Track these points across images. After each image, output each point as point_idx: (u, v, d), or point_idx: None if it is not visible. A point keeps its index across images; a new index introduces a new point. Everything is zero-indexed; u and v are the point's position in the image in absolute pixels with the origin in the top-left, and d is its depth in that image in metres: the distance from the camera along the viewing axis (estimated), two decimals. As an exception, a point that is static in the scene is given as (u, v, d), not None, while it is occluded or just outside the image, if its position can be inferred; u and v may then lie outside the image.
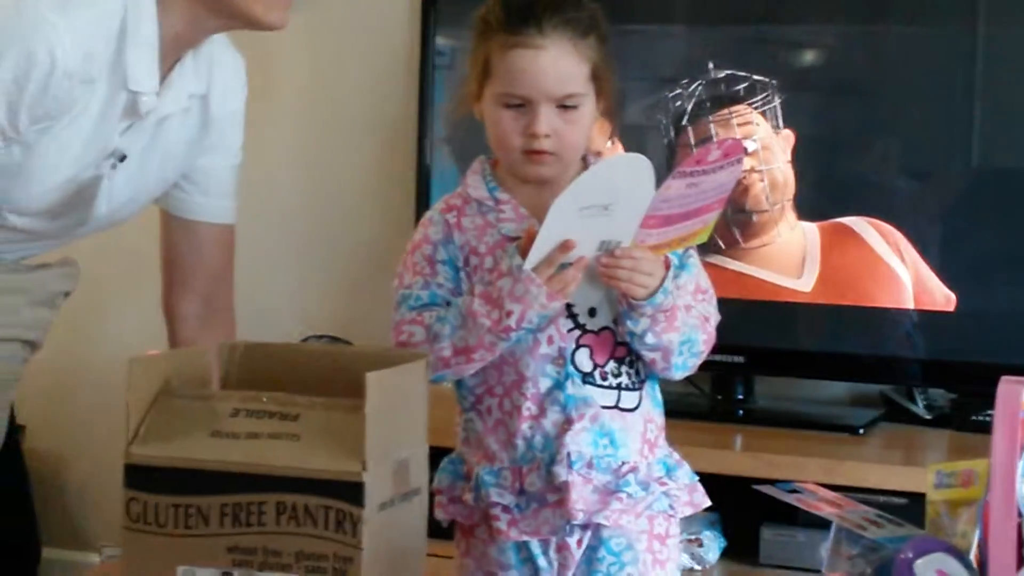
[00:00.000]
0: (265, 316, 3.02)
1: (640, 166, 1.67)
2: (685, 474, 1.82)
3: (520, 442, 1.76)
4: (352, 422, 1.34)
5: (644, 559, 1.78)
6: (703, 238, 1.76)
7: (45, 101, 1.88)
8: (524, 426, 1.75)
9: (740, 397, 2.79)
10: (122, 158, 2.00)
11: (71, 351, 3.20)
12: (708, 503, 1.83)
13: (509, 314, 1.69)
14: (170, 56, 1.98)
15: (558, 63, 1.72)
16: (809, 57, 2.77)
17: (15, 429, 2.40)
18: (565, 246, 1.66)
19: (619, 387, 1.77)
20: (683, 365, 1.78)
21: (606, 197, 1.65)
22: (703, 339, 1.78)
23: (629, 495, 1.75)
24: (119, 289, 3.19)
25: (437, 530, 1.61)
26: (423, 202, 2.86)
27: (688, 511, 1.82)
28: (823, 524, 1.50)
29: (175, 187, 2.16)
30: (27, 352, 2.18)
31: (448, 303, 1.76)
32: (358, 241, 3.10)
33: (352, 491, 1.33)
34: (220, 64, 2.08)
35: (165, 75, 2.00)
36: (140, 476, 1.38)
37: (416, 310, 1.77)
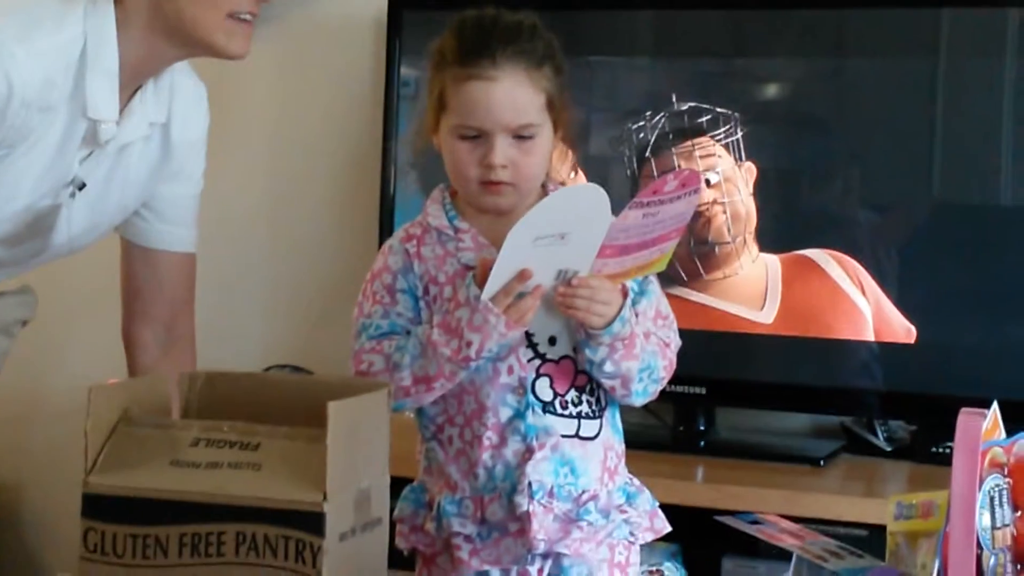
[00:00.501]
0: (227, 345, 3.01)
1: (595, 196, 1.67)
2: (646, 500, 1.82)
3: (481, 471, 1.76)
4: (313, 452, 1.33)
5: None
6: (660, 267, 1.77)
7: (2, 129, 1.87)
8: (485, 456, 1.75)
9: (702, 428, 2.80)
10: (81, 186, 1.99)
11: (29, 380, 3.18)
12: (668, 528, 1.83)
13: (469, 344, 1.69)
14: (130, 84, 1.98)
15: (512, 94, 1.73)
16: (771, 90, 2.79)
17: None
18: (522, 276, 1.67)
19: (579, 415, 1.78)
20: (643, 392, 1.78)
21: (562, 226, 1.65)
22: (663, 365, 1.79)
23: (590, 523, 1.75)
24: (78, 317, 3.18)
25: (398, 559, 1.60)
26: (387, 231, 2.85)
27: (649, 537, 1.82)
28: (784, 555, 1.51)
29: (135, 215, 2.15)
30: None
31: (408, 332, 1.76)
32: (321, 270, 3.10)
33: (313, 521, 1.32)
34: (181, 92, 2.08)
35: (125, 103, 1.99)
36: (98, 505, 1.37)
37: (376, 339, 1.77)
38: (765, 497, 2.43)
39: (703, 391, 2.70)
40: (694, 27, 2.81)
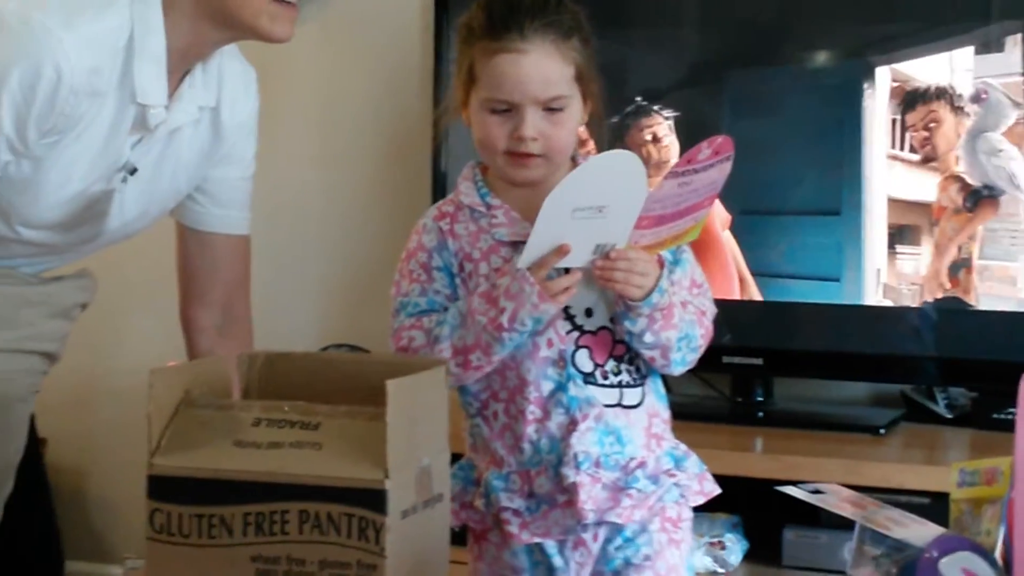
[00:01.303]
0: (284, 326, 3.02)
1: (630, 163, 1.67)
2: (694, 464, 1.83)
3: (527, 446, 1.77)
4: (373, 430, 1.34)
5: (659, 539, 1.79)
6: (694, 235, 1.77)
7: (52, 116, 1.89)
8: (529, 430, 1.76)
9: (760, 399, 2.79)
10: (133, 171, 2.01)
11: (91, 364, 3.21)
12: (718, 490, 1.84)
13: (502, 311, 1.70)
14: (179, 69, 1.99)
15: (541, 66, 1.73)
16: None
17: (37, 442, 2.40)
18: (560, 250, 1.67)
19: (620, 385, 1.78)
20: (682, 361, 1.78)
21: (600, 198, 1.65)
22: (701, 334, 1.79)
23: (639, 490, 1.76)
24: (137, 301, 3.20)
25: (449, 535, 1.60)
26: (441, 208, 2.85)
27: (700, 500, 1.83)
28: (846, 525, 1.50)
29: (189, 199, 2.17)
30: (46, 364, 2.19)
31: (446, 309, 1.77)
32: (375, 248, 3.10)
33: (375, 499, 1.33)
34: (230, 75, 2.09)
35: (175, 88, 2.00)
36: (163, 487, 1.39)
37: (415, 316, 1.79)
38: (825, 467, 2.42)
39: (760, 362, 2.69)
40: None
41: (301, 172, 3.15)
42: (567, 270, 1.72)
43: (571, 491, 1.74)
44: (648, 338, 1.74)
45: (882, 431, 2.64)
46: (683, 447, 1.84)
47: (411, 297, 1.80)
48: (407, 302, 1.80)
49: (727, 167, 1.70)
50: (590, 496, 1.74)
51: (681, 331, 1.76)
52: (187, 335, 2.27)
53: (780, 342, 2.73)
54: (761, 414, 2.76)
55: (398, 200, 3.07)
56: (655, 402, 1.82)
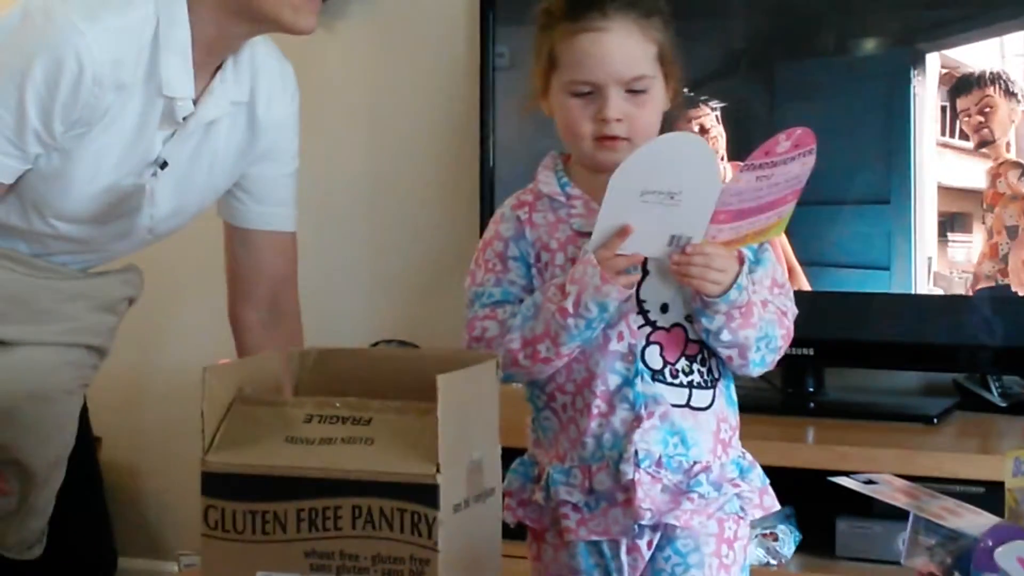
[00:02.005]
0: (334, 322, 3.04)
1: (698, 146, 1.64)
2: (757, 477, 1.79)
3: (589, 440, 1.74)
4: (425, 425, 1.34)
5: (710, 563, 1.74)
6: (777, 233, 1.73)
7: (77, 107, 1.91)
8: (593, 424, 1.74)
9: (811, 390, 2.78)
10: (163, 165, 2.02)
11: (141, 361, 3.24)
12: (778, 507, 1.80)
13: (567, 296, 1.67)
14: (207, 62, 2.01)
15: (624, 44, 1.70)
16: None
17: (91, 439, 2.43)
18: (623, 231, 1.64)
19: (690, 385, 1.75)
20: (761, 361, 1.75)
21: (669, 183, 1.62)
22: (781, 334, 1.75)
23: (701, 495, 1.73)
24: (187, 298, 3.22)
25: (505, 531, 1.60)
26: (487, 203, 2.86)
27: (758, 514, 1.79)
28: (899, 515, 1.49)
29: (231, 197, 2.18)
30: (95, 358, 2.21)
31: (521, 300, 1.75)
32: (424, 244, 3.11)
33: (427, 493, 1.34)
34: (265, 72, 2.10)
35: (207, 83, 2.02)
36: (217, 483, 1.40)
37: (489, 306, 1.76)
38: (878, 457, 2.41)
39: (811, 352, 2.68)
40: None
41: (349, 168, 3.16)
42: (645, 260, 1.69)
43: (629, 489, 1.71)
44: (725, 336, 1.70)
45: (935, 420, 2.62)
46: (749, 457, 1.80)
47: (486, 287, 1.77)
48: (482, 292, 1.77)
49: (810, 161, 1.65)
50: (648, 495, 1.71)
51: (760, 330, 1.72)
52: (235, 333, 2.29)
53: (831, 332, 2.72)
54: (812, 404, 2.75)
55: (446, 195, 3.07)
56: (725, 407, 1.78)
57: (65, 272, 2.13)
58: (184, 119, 2.01)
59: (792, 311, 1.79)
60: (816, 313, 2.67)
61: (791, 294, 1.80)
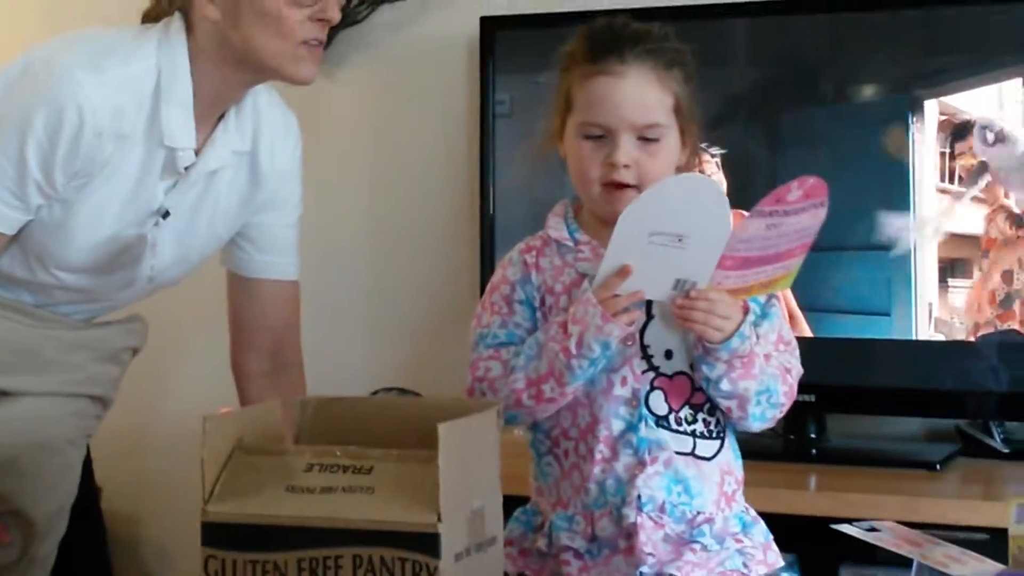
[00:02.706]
0: (334, 369, 3.03)
1: (710, 189, 1.64)
2: (760, 532, 1.78)
3: (592, 486, 1.74)
4: (426, 473, 1.34)
5: None
6: (784, 286, 1.72)
7: (78, 158, 1.92)
8: (596, 469, 1.74)
9: (813, 436, 2.77)
10: (165, 215, 2.03)
11: (142, 410, 3.23)
12: (782, 564, 1.79)
13: (569, 336, 1.67)
14: (209, 112, 2.02)
15: (639, 91, 1.71)
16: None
17: (94, 489, 2.42)
18: (623, 271, 1.64)
19: (695, 434, 1.75)
20: (761, 416, 1.74)
21: (678, 225, 1.61)
22: (783, 391, 1.74)
23: (704, 547, 1.72)
24: (188, 347, 3.22)
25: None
26: (488, 250, 2.86)
27: (762, 570, 1.77)
28: (903, 562, 1.49)
29: (234, 246, 2.18)
30: (98, 408, 2.21)
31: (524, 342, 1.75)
32: (424, 291, 3.11)
33: (428, 542, 1.33)
34: (269, 122, 2.11)
35: (209, 132, 2.03)
36: (217, 533, 1.39)
37: (494, 348, 1.77)
38: (881, 504, 2.40)
39: (812, 398, 2.68)
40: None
41: (350, 215, 3.17)
42: (650, 304, 1.69)
43: (632, 534, 1.70)
44: (725, 386, 1.70)
45: (938, 467, 2.61)
46: (752, 512, 1.79)
47: (491, 329, 1.78)
48: (486, 333, 1.78)
49: (821, 213, 1.63)
50: (650, 540, 1.70)
51: (761, 384, 1.71)
52: (238, 382, 2.28)
53: (832, 378, 2.71)
54: (815, 451, 2.74)
55: (446, 242, 3.08)
56: (731, 460, 1.78)
57: (69, 323, 2.14)
58: (186, 169, 2.02)
59: (797, 370, 1.78)
60: (817, 359, 2.66)
61: (797, 353, 1.79)
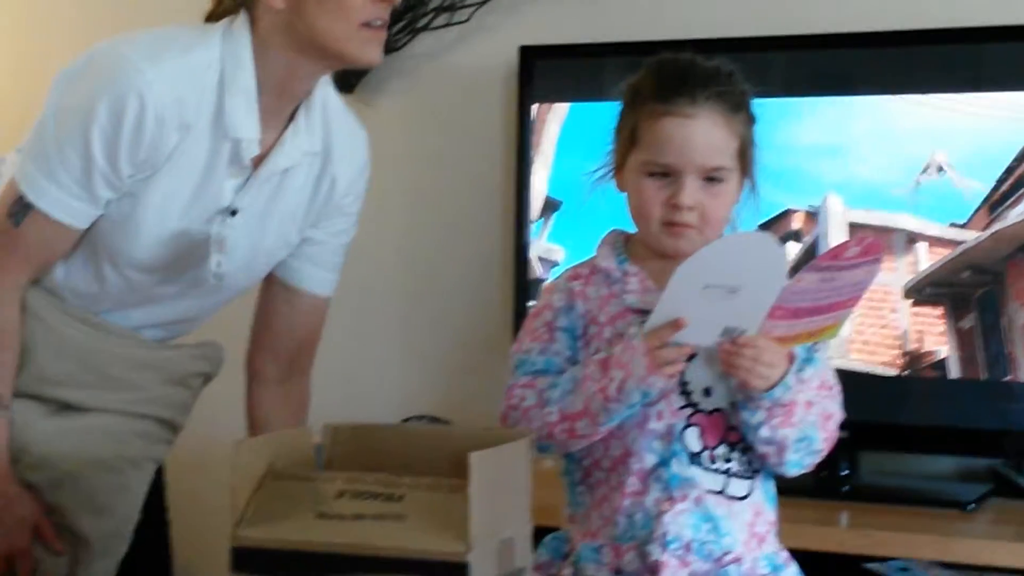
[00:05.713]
0: (366, 396, 3.04)
1: (772, 247, 1.64)
2: (792, 575, 1.77)
3: (621, 519, 1.73)
4: (456, 502, 1.34)
5: None
6: (832, 335, 1.71)
7: (142, 147, 1.94)
8: (626, 502, 1.73)
9: (845, 473, 2.75)
10: (233, 212, 2.03)
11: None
12: None
13: (611, 380, 1.67)
14: (277, 107, 2.03)
15: (708, 133, 1.71)
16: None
17: (165, 519, 2.40)
18: (676, 324, 1.64)
19: (728, 473, 1.73)
20: (798, 463, 1.73)
21: (734, 278, 1.61)
22: (822, 437, 1.74)
23: None
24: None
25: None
26: (522, 279, 2.86)
27: None
28: (936, 603, 1.48)
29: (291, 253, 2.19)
30: (167, 432, 2.20)
31: (562, 371, 1.75)
32: (457, 321, 3.11)
33: (457, 571, 1.33)
34: (340, 129, 2.13)
35: (280, 133, 2.04)
36: (248, 558, 1.39)
37: (531, 375, 1.76)
38: (913, 543, 2.38)
39: (846, 435, 2.66)
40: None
41: (385, 243, 3.17)
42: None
43: (655, 571, 1.69)
44: (764, 433, 1.69)
45: (971, 506, 2.59)
46: (784, 555, 1.78)
47: (530, 355, 1.77)
48: (525, 359, 1.77)
49: (876, 270, 1.64)
50: None
51: (801, 431, 1.70)
52: (249, 381, 2.29)
53: (865, 415, 2.69)
54: (847, 488, 2.72)
55: (480, 270, 3.08)
56: (763, 500, 1.77)
57: (138, 340, 2.14)
58: (255, 168, 2.02)
59: (837, 416, 1.77)
60: (851, 395, 2.65)
61: (839, 398, 1.78)
